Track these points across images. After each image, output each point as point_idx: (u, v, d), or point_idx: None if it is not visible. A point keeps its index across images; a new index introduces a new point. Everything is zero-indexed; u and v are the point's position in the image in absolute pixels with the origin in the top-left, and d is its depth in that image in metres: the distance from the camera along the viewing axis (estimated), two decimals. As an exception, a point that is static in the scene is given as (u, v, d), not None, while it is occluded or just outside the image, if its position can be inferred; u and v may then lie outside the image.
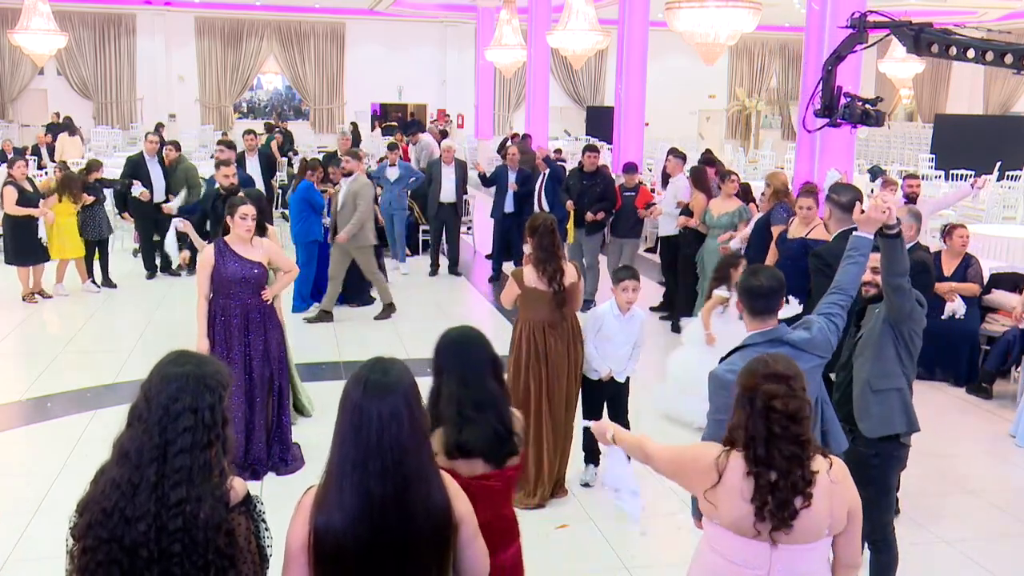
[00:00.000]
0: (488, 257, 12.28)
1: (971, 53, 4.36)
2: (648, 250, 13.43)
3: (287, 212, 11.60)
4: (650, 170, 16.89)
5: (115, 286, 10.73)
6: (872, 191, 11.60)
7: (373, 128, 27.66)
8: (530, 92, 19.20)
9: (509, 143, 15.17)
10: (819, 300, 3.73)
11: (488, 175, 12.34)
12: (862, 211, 3.69)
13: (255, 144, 12.40)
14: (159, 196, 11.08)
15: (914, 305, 4.00)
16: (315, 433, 6.15)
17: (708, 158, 11.26)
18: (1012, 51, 4.23)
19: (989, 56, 4.31)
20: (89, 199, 10.33)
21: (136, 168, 11.20)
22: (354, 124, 21.67)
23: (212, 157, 18.11)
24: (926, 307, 4.09)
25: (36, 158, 17.19)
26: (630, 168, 10.39)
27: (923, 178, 13.73)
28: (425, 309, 10.14)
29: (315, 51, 28.27)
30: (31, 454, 6.16)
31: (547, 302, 5.43)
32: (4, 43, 22.86)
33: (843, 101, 4.68)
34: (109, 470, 2.33)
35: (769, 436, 2.61)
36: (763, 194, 8.77)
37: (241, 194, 6.33)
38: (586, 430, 5.65)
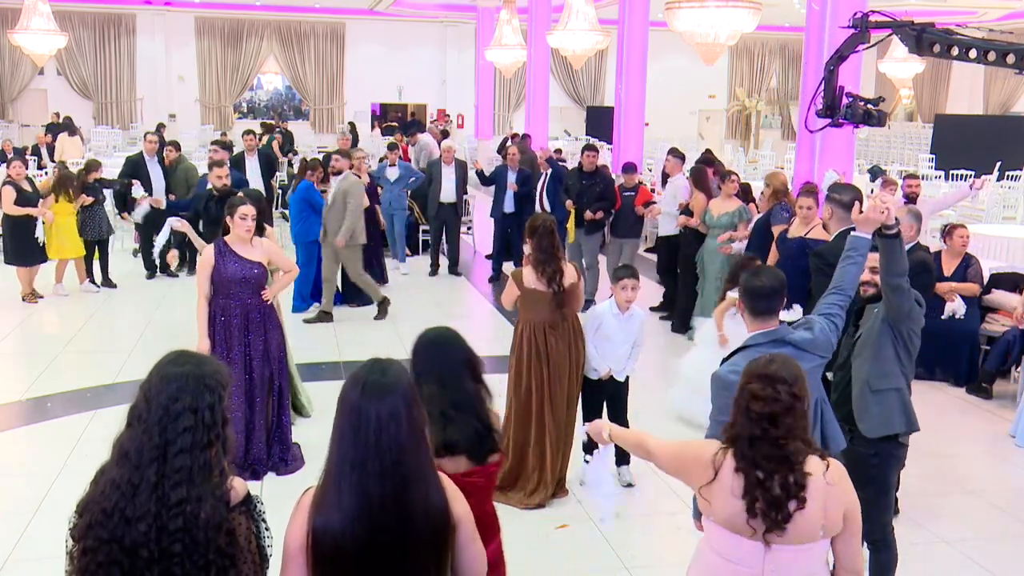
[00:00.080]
0: (488, 257, 12.28)
1: (973, 53, 4.36)
2: (648, 250, 13.43)
3: (287, 212, 11.60)
4: (650, 170, 16.89)
5: (115, 286, 10.73)
6: (872, 191, 11.59)
7: (373, 128, 27.67)
8: (530, 92, 19.19)
9: (509, 143, 15.17)
10: (817, 298, 3.74)
11: (487, 174, 12.36)
12: (861, 211, 3.69)
13: (254, 144, 12.40)
14: (159, 196, 11.07)
15: (913, 305, 4.00)
16: (315, 433, 6.14)
17: (707, 158, 11.26)
18: (1014, 51, 4.23)
19: (991, 56, 4.31)
20: (88, 199, 10.32)
21: (135, 168, 11.20)
22: (352, 124, 21.68)
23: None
24: (924, 307, 4.09)
25: (36, 158, 17.19)
26: (629, 168, 10.40)
27: (923, 178, 13.72)
28: (425, 309, 10.13)
29: (315, 51, 28.27)
30: (31, 454, 6.16)
31: (547, 303, 5.43)
32: (4, 43, 22.87)
33: (845, 101, 4.68)
34: (109, 470, 2.33)
35: (751, 435, 2.64)
36: (762, 194, 8.78)
37: (240, 194, 6.32)
38: (590, 441, 5.67)
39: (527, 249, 5.69)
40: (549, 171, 11.28)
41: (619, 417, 5.69)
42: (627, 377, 5.73)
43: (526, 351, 5.49)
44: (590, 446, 5.68)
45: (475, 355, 3.12)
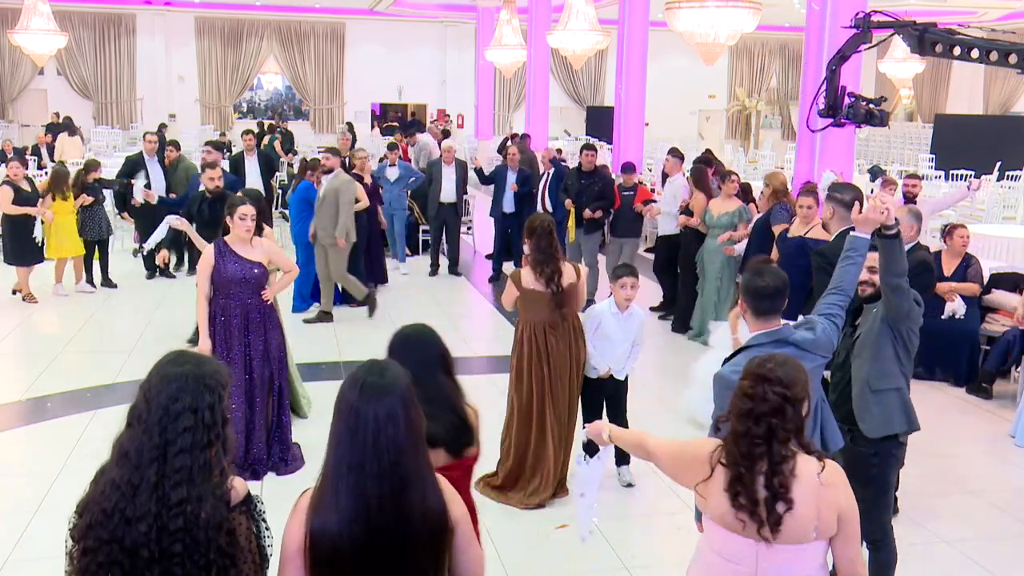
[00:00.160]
0: (488, 257, 12.28)
1: (975, 53, 4.36)
2: (648, 250, 13.43)
3: (287, 212, 11.60)
4: (650, 170, 16.89)
5: (115, 286, 10.73)
6: (872, 191, 11.60)
7: (372, 128, 27.67)
8: (530, 92, 19.20)
9: (509, 143, 15.18)
10: (818, 297, 3.74)
11: (487, 173, 12.36)
12: (860, 212, 3.69)
13: (253, 144, 12.40)
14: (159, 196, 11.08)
15: (912, 305, 4.00)
16: (315, 433, 6.13)
17: (705, 158, 11.26)
18: (1016, 51, 4.23)
19: (993, 56, 4.31)
20: (89, 199, 10.32)
21: (134, 168, 11.21)
22: (349, 124, 21.69)
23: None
24: (923, 306, 4.10)
25: (36, 158, 17.20)
26: (628, 168, 10.42)
27: (923, 178, 13.72)
28: (425, 309, 10.13)
29: (315, 51, 28.28)
30: (31, 454, 6.16)
31: (546, 303, 5.43)
32: (4, 43, 22.87)
33: (847, 101, 4.68)
34: (109, 471, 2.33)
35: (735, 432, 2.68)
36: (762, 194, 8.78)
37: (240, 194, 6.32)
38: (590, 441, 5.66)
39: (527, 249, 5.69)
40: (552, 170, 11.27)
41: (618, 416, 5.69)
42: (626, 376, 5.73)
43: (526, 351, 5.49)
44: (590, 448, 5.71)
45: (448, 351, 3.17)
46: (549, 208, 10.84)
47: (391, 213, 11.76)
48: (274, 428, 5.92)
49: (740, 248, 8.60)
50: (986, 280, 8.18)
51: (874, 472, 4.10)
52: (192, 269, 11.00)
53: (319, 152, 16.84)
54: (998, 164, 17.93)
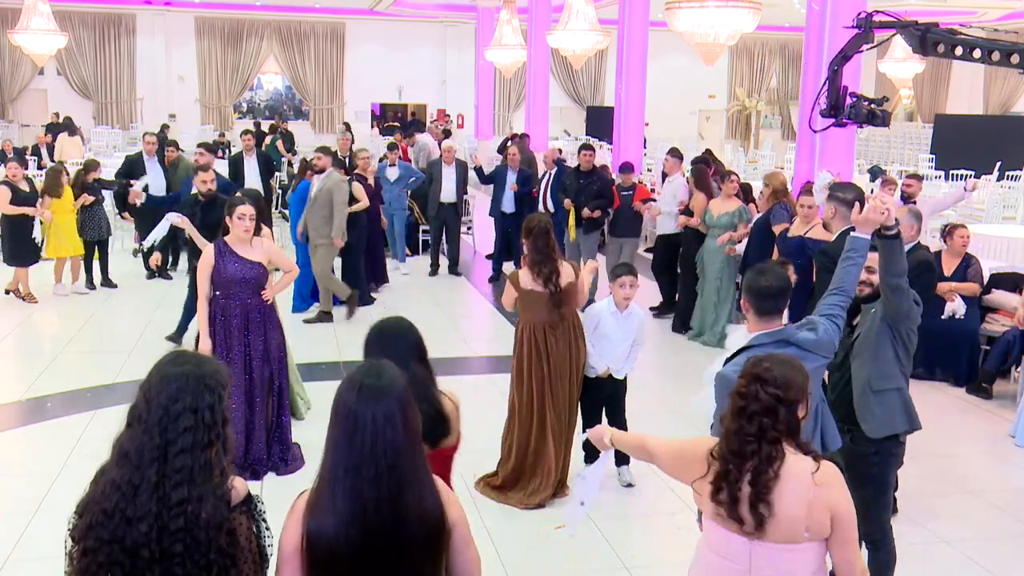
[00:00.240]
0: (488, 257, 12.28)
1: (977, 53, 4.36)
2: (648, 250, 13.43)
3: (287, 212, 11.60)
4: (649, 170, 16.89)
5: (115, 286, 10.73)
6: (872, 191, 11.61)
7: (372, 127, 27.67)
8: (530, 92, 19.20)
9: (509, 143, 15.19)
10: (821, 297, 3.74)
11: (487, 172, 12.36)
12: (860, 212, 3.69)
13: (252, 144, 12.39)
14: (158, 195, 11.08)
15: (911, 304, 4.00)
16: (315, 433, 6.10)
17: (704, 158, 11.26)
18: (1018, 51, 4.23)
19: (995, 56, 4.32)
20: (90, 199, 10.32)
21: (133, 167, 11.21)
22: (346, 124, 21.71)
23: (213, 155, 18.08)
24: (922, 305, 4.10)
25: (36, 158, 17.21)
26: (626, 168, 10.43)
27: (923, 179, 13.73)
28: (425, 309, 10.13)
29: (315, 51, 28.28)
30: (31, 454, 6.15)
31: (544, 303, 5.43)
32: (4, 43, 22.87)
33: (849, 101, 4.68)
34: (109, 471, 2.33)
35: (727, 429, 2.70)
36: (762, 194, 8.79)
37: (239, 194, 6.31)
38: (590, 441, 5.66)
39: (525, 250, 5.70)
40: (554, 170, 11.26)
41: (617, 416, 5.69)
42: (625, 376, 5.73)
43: (526, 351, 5.50)
44: (590, 451, 5.71)
45: (423, 341, 3.18)
46: (551, 208, 10.84)
47: (391, 213, 11.76)
48: (274, 428, 5.92)
49: (740, 248, 8.61)
50: (986, 280, 8.18)
51: (874, 471, 4.10)
52: (164, 272, 11.03)
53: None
54: (998, 164, 17.92)
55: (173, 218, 7.16)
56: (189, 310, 8.19)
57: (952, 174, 18.07)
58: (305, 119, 29.01)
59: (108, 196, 11.19)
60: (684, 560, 3.05)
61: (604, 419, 5.60)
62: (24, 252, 9.86)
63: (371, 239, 10.60)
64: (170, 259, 11.32)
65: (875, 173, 14.83)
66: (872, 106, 4.68)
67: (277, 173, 14.61)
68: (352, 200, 9.90)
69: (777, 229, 7.84)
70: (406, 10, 26.02)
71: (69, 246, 10.20)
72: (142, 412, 2.32)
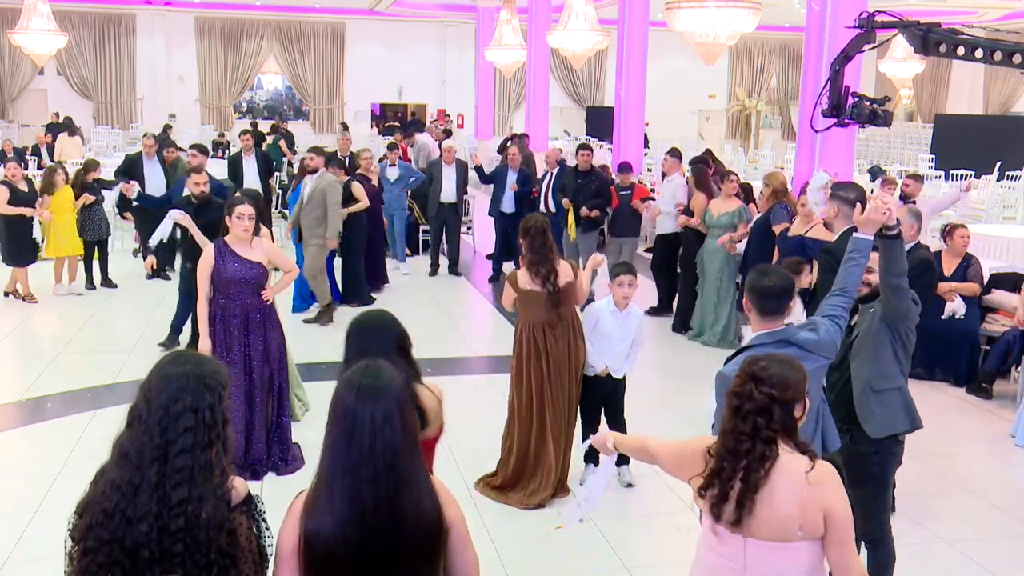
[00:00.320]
0: (489, 257, 12.29)
1: (979, 53, 4.36)
2: (648, 250, 13.43)
3: (287, 212, 11.60)
4: (649, 170, 16.89)
5: (115, 286, 10.72)
6: (872, 191, 11.62)
7: (372, 127, 27.66)
8: (530, 92, 19.20)
9: (510, 143, 15.20)
10: (823, 297, 3.74)
11: (487, 172, 12.36)
12: (861, 213, 3.69)
13: (251, 144, 12.39)
14: (156, 196, 11.07)
15: (911, 304, 4.01)
16: (315, 433, 6.09)
17: (703, 158, 11.26)
18: (1020, 51, 4.23)
19: (997, 56, 4.32)
20: (91, 198, 10.32)
21: (132, 166, 11.21)
22: (344, 124, 21.69)
23: (213, 156, 18.09)
24: (920, 305, 4.10)
25: (36, 158, 17.21)
26: (625, 168, 10.44)
27: (924, 179, 13.74)
28: (425, 309, 10.13)
29: (315, 51, 28.27)
30: (31, 454, 6.15)
31: (543, 303, 5.43)
32: (4, 43, 22.86)
33: (851, 101, 4.68)
34: (109, 471, 2.33)
35: (724, 428, 2.72)
36: (762, 194, 8.79)
37: (238, 194, 6.31)
38: (587, 440, 5.65)
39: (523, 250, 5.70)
40: (556, 170, 11.26)
41: (616, 416, 5.69)
42: (624, 376, 5.72)
43: (525, 351, 5.50)
44: (592, 456, 5.71)
45: (406, 335, 3.19)
46: (552, 208, 10.84)
47: (391, 213, 11.76)
48: (274, 428, 5.92)
49: (740, 247, 8.61)
50: (986, 280, 8.18)
51: (874, 471, 4.11)
52: (159, 274, 11.01)
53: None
54: (998, 164, 17.92)
55: (176, 215, 7.17)
56: (180, 316, 8.20)
57: (952, 174, 18.07)
58: (305, 119, 29.00)
59: (108, 196, 11.19)
60: (684, 560, 3.05)
61: (603, 421, 5.60)
62: (22, 252, 9.86)
63: (372, 240, 10.59)
64: (169, 259, 11.29)
65: (875, 173, 14.84)
66: (874, 106, 4.68)
67: (277, 173, 14.61)
68: (352, 200, 9.90)
69: (777, 229, 7.84)
70: (406, 10, 26.01)
71: (68, 246, 10.20)
72: (142, 412, 2.32)
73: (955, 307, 7.81)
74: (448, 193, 11.72)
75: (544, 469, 5.50)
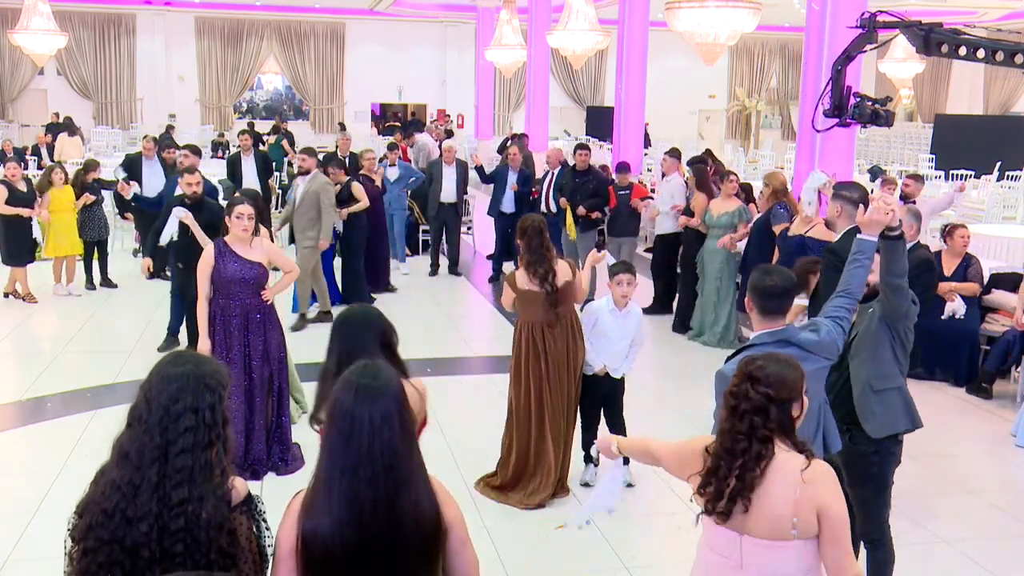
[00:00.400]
0: (489, 257, 12.29)
1: (981, 53, 4.36)
2: (647, 250, 13.43)
3: (287, 212, 11.59)
4: (649, 170, 16.89)
5: (115, 286, 10.72)
6: (872, 191, 11.61)
7: (372, 127, 27.66)
8: (530, 92, 19.19)
9: (510, 143, 15.20)
10: (827, 296, 3.74)
11: (487, 172, 12.36)
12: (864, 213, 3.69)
13: (250, 144, 12.38)
14: (154, 196, 11.08)
15: (910, 304, 4.01)
16: (314, 433, 6.13)
17: (702, 158, 11.25)
18: (1022, 51, 4.23)
19: (999, 56, 4.31)
20: (92, 198, 10.32)
21: (131, 166, 11.22)
22: (341, 124, 21.66)
23: (213, 156, 18.12)
24: (919, 305, 4.10)
25: (36, 158, 17.21)
26: (623, 167, 10.44)
27: (924, 179, 13.73)
28: (425, 309, 10.13)
29: (315, 51, 28.27)
30: (31, 454, 6.15)
31: (541, 303, 5.43)
32: (4, 43, 22.85)
33: (853, 101, 4.68)
34: (109, 471, 2.33)
35: (722, 427, 2.74)
36: (762, 194, 8.79)
37: (237, 194, 6.31)
38: (589, 441, 5.65)
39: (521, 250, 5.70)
40: (557, 170, 11.25)
41: (615, 416, 5.70)
42: (623, 376, 5.72)
43: (524, 351, 5.50)
44: (591, 456, 5.72)
45: (391, 330, 3.21)
46: (552, 208, 10.84)
47: (391, 213, 11.74)
48: (274, 428, 5.92)
49: (740, 247, 8.61)
50: (986, 280, 8.18)
51: (874, 470, 4.11)
52: (157, 275, 10.98)
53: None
54: (998, 164, 17.93)
55: (179, 213, 7.20)
56: (175, 319, 8.21)
57: (952, 174, 18.07)
58: (305, 119, 29.00)
59: (108, 196, 11.19)
60: (684, 560, 3.05)
61: (604, 428, 5.60)
62: (20, 252, 9.86)
63: (374, 241, 10.57)
64: (167, 259, 11.29)
65: (875, 173, 14.84)
66: (876, 106, 4.68)
67: (277, 173, 14.60)
68: (352, 200, 9.90)
69: (777, 229, 7.83)
70: (406, 10, 26.01)
71: (68, 245, 10.20)
72: (142, 412, 2.32)
73: (955, 307, 7.81)
74: (448, 193, 11.72)
75: (544, 469, 5.50)
